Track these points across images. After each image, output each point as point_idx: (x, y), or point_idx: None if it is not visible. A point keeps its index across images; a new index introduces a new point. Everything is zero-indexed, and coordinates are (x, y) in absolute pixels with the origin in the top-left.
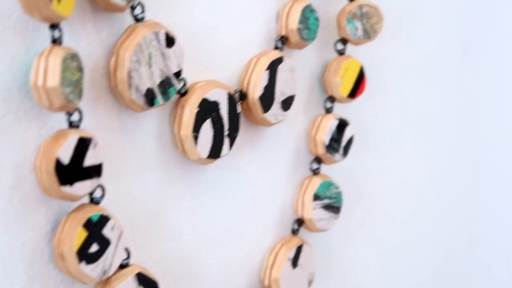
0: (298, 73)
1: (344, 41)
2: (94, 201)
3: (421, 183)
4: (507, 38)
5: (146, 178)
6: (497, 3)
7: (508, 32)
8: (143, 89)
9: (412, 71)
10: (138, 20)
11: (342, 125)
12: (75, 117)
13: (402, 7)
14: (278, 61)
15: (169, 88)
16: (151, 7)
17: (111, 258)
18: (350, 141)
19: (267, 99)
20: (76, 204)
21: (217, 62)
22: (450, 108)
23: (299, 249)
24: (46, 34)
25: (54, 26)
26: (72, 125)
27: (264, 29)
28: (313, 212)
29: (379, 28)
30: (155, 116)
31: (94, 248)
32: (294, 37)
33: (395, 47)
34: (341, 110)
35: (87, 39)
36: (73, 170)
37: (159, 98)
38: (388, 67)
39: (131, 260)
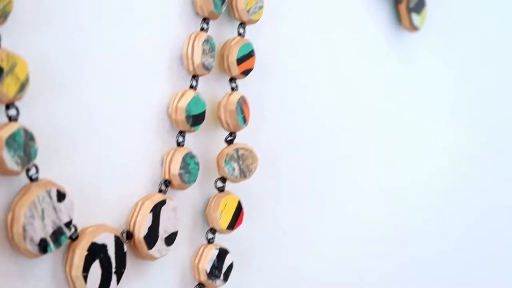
0: (183, 209)
1: (223, 179)
2: None
3: None
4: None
5: None
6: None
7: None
8: (37, 239)
9: (287, 201)
10: (32, 180)
11: (222, 253)
12: None
13: (272, 146)
14: (161, 203)
15: (61, 236)
16: (46, 165)
17: None
18: (230, 268)
19: (151, 237)
20: None
21: (107, 206)
22: (325, 228)
23: None
24: None
25: None
26: None
27: (150, 173)
28: None
29: (254, 168)
30: (50, 259)
31: None
32: (176, 181)
33: (269, 181)
34: (222, 240)
35: None
36: None
37: (51, 246)
38: (264, 199)
39: None
